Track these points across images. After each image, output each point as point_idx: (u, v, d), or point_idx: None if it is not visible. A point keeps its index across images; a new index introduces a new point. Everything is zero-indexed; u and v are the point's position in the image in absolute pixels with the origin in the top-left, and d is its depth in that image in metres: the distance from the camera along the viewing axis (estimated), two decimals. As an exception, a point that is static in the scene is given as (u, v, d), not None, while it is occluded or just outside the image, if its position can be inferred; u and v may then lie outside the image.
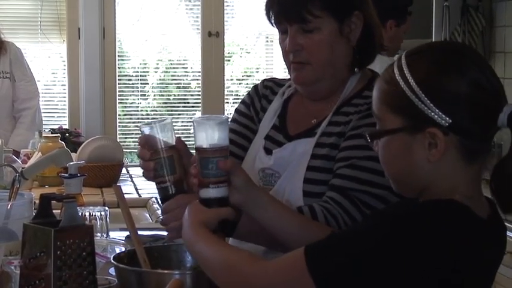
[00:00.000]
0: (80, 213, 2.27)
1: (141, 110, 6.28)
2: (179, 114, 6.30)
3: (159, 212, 3.48)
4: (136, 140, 6.15)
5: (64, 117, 6.09)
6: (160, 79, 6.32)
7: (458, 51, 1.57)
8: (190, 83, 6.33)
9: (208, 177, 1.74)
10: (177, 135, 2.00)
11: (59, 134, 4.53)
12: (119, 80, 6.17)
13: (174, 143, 1.97)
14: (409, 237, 1.44)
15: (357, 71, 2.12)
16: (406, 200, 1.62)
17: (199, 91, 6.23)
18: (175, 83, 6.34)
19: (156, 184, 1.97)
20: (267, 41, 6.25)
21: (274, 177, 2.10)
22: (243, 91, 6.21)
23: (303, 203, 2.00)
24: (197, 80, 6.26)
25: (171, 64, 6.34)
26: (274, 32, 2.40)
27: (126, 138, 6.22)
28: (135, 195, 3.92)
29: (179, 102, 6.35)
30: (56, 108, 6.11)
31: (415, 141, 1.53)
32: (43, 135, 4.38)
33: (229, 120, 2.14)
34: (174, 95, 6.35)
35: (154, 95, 6.31)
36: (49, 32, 5.99)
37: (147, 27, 6.21)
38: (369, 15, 2.09)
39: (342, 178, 1.97)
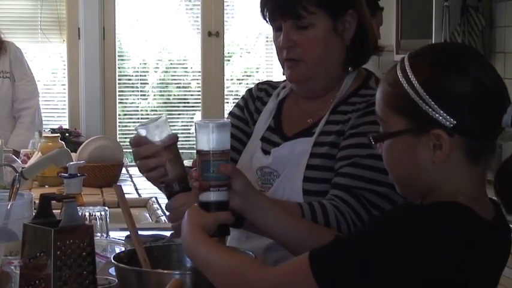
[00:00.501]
0: (80, 213, 2.27)
1: (141, 110, 6.28)
2: (179, 114, 6.30)
3: (159, 211, 3.48)
4: (136, 140, 6.20)
5: (64, 117, 6.09)
6: (160, 79, 6.32)
7: (461, 52, 1.57)
8: (190, 83, 6.33)
9: (209, 180, 1.74)
10: (176, 134, 2.00)
11: (58, 134, 4.53)
12: (119, 80, 6.17)
13: (171, 141, 1.96)
14: (413, 239, 1.43)
15: (351, 70, 2.13)
16: (409, 202, 1.62)
17: (199, 91, 6.23)
18: (175, 83, 6.34)
19: (160, 183, 1.97)
20: (267, 41, 6.25)
21: (272, 176, 2.10)
22: (243, 91, 6.17)
23: (303, 201, 2.00)
24: (197, 80, 6.26)
25: (171, 64, 6.34)
26: (274, 32, 2.41)
27: (126, 138, 6.22)
28: (135, 195, 3.92)
29: (179, 102, 6.35)
30: (56, 108, 6.11)
31: (420, 143, 1.52)
32: (43, 135, 4.38)
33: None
34: (174, 95, 6.35)
35: (154, 95, 6.31)
36: (49, 31, 5.99)
37: (147, 27, 6.21)
38: (362, 15, 2.10)
39: (345, 177, 1.98)
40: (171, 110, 6.30)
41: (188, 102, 6.34)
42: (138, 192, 3.99)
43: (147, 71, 6.30)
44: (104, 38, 6.02)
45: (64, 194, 2.63)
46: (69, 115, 6.06)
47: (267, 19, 2.10)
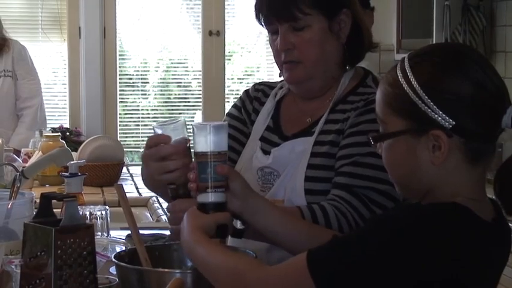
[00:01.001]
0: (81, 213, 2.27)
1: (142, 109, 6.28)
2: (180, 114, 6.30)
3: (160, 211, 3.49)
4: (137, 139, 6.21)
5: (65, 116, 6.09)
6: (161, 78, 6.32)
7: (461, 52, 1.56)
8: (190, 82, 6.33)
9: (206, 181, 1.75)
10: (189, 139, 1.98)
11: (59, 133, 4.54)
12: (120, 79, 6.17)
13: (188, 145, 1.95)
14: (411, 240, 1.43)
15: (348, 68, 2.14)
16: (408, 203, 1.61)
17: (199, 90, 6.23)
18: (176, 82, 6.34)
19: (167, 184, 1.96)
20: (268, 41, 6.24)
21: (273, 176, 2.11)
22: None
23: (305, 201, 2.01)
24: (198, 79, 6.26)
25: (172, 63, 6.34)
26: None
27: (126, 137, 6.22)
28: (136, 194, 3.92)
29: (180, 102, 6.35)
30: (57, 108, 6.11)
31: (419, 144, 1.52)
32: (44, 134, 4.38)
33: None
34: (175, 94, 6.34)
35: (155, 94, 6.31)
36: (50, 31, 5.99)
37: (147, 26, 6.20)
38: (356, 13, 2.12)
39: (346, 176, 1.98)
40: (172, 109, 6.30)
41: (189, 102, 6.34)
42: (138, 192, 3.99)
43: (148, 70, 6.29)
44: (105, 37, 6.02)
45: (65, 193, 2.63)
46: (70, 114, 6.06)
47: (263, 23, 2.11)
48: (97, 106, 6.00)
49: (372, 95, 2.05)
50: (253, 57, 6.43)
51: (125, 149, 4.44)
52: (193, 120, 6.19)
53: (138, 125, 6.25)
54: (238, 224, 1.89)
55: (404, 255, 1.43)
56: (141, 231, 1.97)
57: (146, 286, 1.77)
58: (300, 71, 2.09)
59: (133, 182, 4.25)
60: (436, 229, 1.45)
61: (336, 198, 1.96)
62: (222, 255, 1.61)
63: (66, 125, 5.85)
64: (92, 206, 2.52)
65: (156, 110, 6.29)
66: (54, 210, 1.87)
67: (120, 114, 6.17)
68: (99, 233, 2.42)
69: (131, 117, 6.27)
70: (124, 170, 4.37)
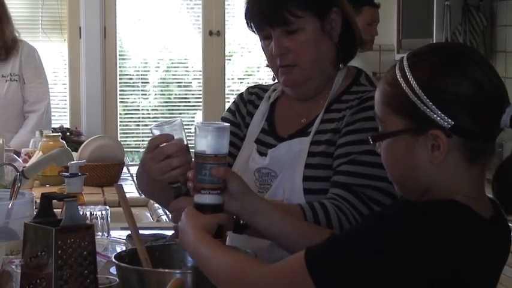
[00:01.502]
0: (81, 213, 2.27)
1: (142, 109, 6.28)
2: (180, 114, 6.30)
3: (160, 211, 3.49)
4: (137, 139, 6.20)
5: (65, 116, 6.08)
6: (161, 78, 6.32)
7: (460, 52, 1.57)
8: (191, 82, 6.33)
9: (201, 182, 1.75)
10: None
11: (59, 133, 4.53)
12: (120, 79, 6.17)
13: (186, 143, 1.96)
14: (409, 237, 1.44)
15: (341, 67, 2.15)
16: (406, 200, 1.62)
17: (200, 90, 6.23)
18: (176, 82, 6.34)
19: (169, 183, 1.96)
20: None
21: (270, 177, 2.11)
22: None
23: (304, 201, 2.01)
24: (198, 79, 6.26)
25: (172, 63, 6.34)
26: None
27: (127, 137, 6.22)
28: (136, 195, 3.92)
29: (180, 102, 6.34)
30: (57, 108, 6.10)
31: (418, 143, 1.52)
32: (44, 134, 4.38)
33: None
34: (175, 94, 6.34)
35: (155, 94, 6.31)
36: (50, 31, 5.99)
37: (148, 26, 6.20)
38: (345, 10, 2.13)
39: (345, 175, 1.99)
40: (172, 110, 6.30)
41: (189, 102, 6.33)
42: (139, 192, 3.97)
43: (148, 70, 6.29)
44: (105, 37, 6.02)
45: (65, 193, 2.63)
46: (70, 114, 6.06)
47: (254, 29, 2.11)
48: (97, 106, 6.00)
49: (366, 93, 2.06)
50: (253, 57, 6.43)
51: (125, 149, 4.44)
52: (193, 121, 6.19)
53: (138, 125, 6.25)
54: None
55: (404, 254, 1.43)
56: (141, 232, 1.97)
57: (146, 286, 1.77)
58: (296, 74, 2.10)
59: (133, 182, 4.24)
60: (435, 227, 1.45)
61: (336, 197, 1.97)
62: (224, 255, 1.62)
63: (67, 125, 5.85)
64: (92, 206, 2.52)
65: (157, 110, 6.28)
66: (55, 210, 1.87)
67: (120, 114, 6.17)
68: (100, 233, 2.42)
69: (131, 117, 6.27)
70: (124, 170, 4.37)
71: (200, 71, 6.22)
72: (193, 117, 6.25)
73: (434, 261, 1.43)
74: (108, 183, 4.04)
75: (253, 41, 6.31)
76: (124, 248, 2.17)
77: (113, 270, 1.92)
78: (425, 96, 1.50)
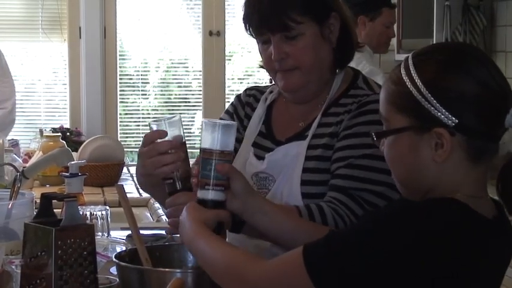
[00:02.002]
0: (81, 213, 2.27)
1: (142, 109, 6.28)
2: (180, 114, 6.28)
3: (160, 211, 3.49)
4: (137, 139, 6.20)
5: (65, 116, 6.08)
6: (161, 78, 6.31)
7: (465, 51, 1.57)
8: (191, 82, 6.33)
9: (205, 178, 1.76)
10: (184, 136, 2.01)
11: (60, 133, 4.54)
12: (120, 79, 6.17)
13: (184, 140, 1.98)
14: (407, 235, 1.44)
15: (338, 71, 2.15)
16: (405, 199, 1.62)
17: (200, 90, 6.23)
18: (176, 82, 6.34)
19: (163, 179, 1.97)
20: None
21: (268, 181, 2.11)
22: (244, 90, 6.19)
23: (302, 205, 2.00)
24: (198, 79, 6.26)
25: (172, 63, 6.33)
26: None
27: (127, 137, 6.22)
28: (136, 195, 3.92)
29: (180, 102, 6.34)
30: (57, 108, 6.11)
31: (422, 141, 1.52)
32: (44, 134, 4.38)
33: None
34: (175, 94, 6.34)
35: (155, 94, 6.31)
36: (50, 31, 5.98)
37: (148, 26, 6.20)
38: (343, 15, 2.13)
39: (342, 178, 1.98)
40: (172, 110, 6.29)
41: (189, 102, 6.33)
42: (139, 192, 3.99)
43: (148, 71, 6.29)
44: (105, 37, 6.02)
45: (65, 193, 2.64)
46: (70, 114, 6.05)
47: (253, 34, 2.11)
48: (97, 106, 6.00)
49: (364, 97, 2.06)
50: (253, 57, 6.43)
51: (125, 149, 4.44)
52: (193, 121, 6.19)
53: (138, 125, 6.25)
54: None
55: (400, 249, 1.43)
56: (141, 231, 1.97)
57: (147, 286, 1.77)
58: (296, 77, 2.09)
59: (133, 182, 4.25)
60: (434, 226, 1.44)
61: (333, 200, 1.97)
62: (221, 249, 1.62)
63: (67, 125, 5.85)
64: (92, 206, 2.52)
65: (157, 110, 6.28)
66: (55, 210, 1.87)
67: (120, 114, 6.17)
68: (100, 233, 2.43)
69: (131, 118, 6.27)
70: (124, 170, 4.37)
71: (200, 71, 6.21)
72: (193, 117, 6.25)
73: (433, 258, 1.43)
74: (108, 183, 4.04)
75: (253, 41, 6.28)
76: (124, 248, 2.17)
77: (113, 270, 1.92)
78: (430, 95, 1.50)
